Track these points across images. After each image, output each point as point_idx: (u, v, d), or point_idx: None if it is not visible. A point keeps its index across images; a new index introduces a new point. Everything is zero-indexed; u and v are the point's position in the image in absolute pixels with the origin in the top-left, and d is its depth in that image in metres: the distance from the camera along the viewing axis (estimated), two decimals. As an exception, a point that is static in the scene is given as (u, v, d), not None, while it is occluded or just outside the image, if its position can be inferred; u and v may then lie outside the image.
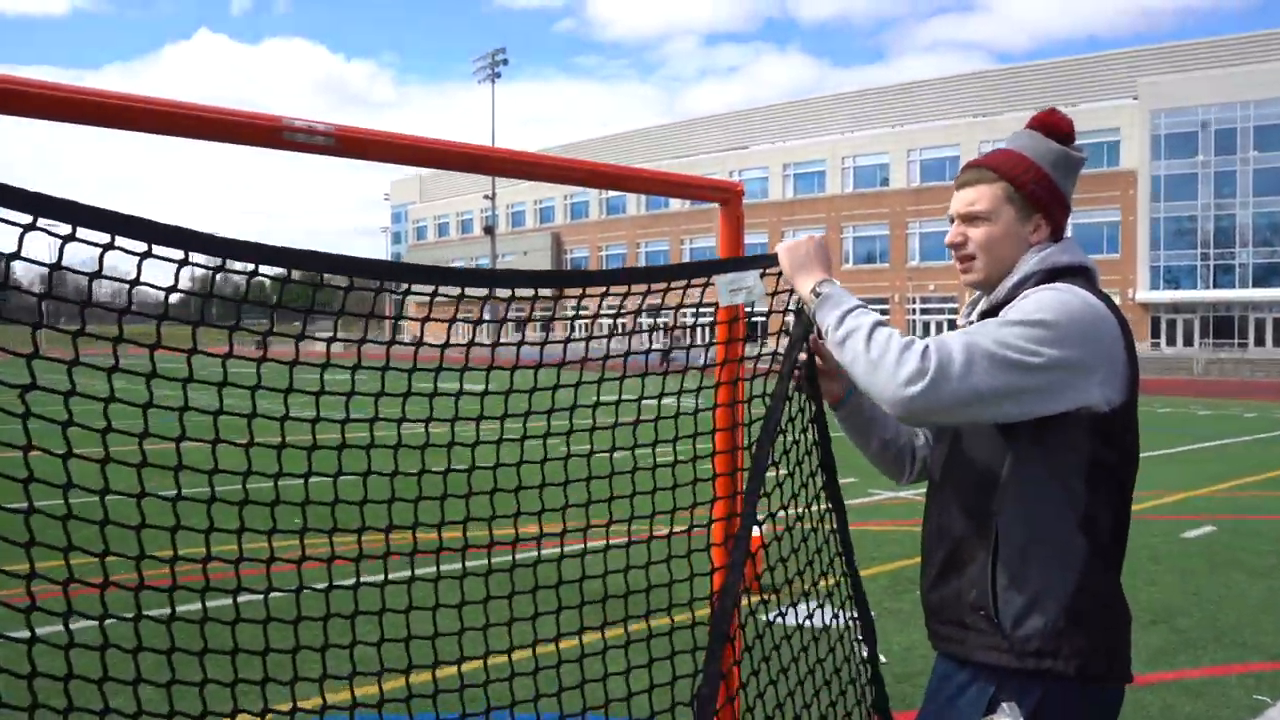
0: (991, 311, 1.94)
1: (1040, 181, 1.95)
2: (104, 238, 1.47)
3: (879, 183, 56.96)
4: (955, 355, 1.70)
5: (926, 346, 1.73)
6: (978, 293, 2.06)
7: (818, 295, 1.92)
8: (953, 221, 2.02)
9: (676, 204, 63.84)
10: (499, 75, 61.39)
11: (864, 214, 57.09)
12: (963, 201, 1.98)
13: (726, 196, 2.28)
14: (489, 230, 64.62)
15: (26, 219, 1.41)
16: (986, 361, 1.70)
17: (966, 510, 1.90)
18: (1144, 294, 49.82)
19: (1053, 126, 2.00)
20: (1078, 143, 2.00)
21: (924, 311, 55.30)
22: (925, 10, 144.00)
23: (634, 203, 65.90)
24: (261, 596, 1.70)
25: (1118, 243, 50.73)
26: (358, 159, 1.66)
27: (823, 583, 2.22)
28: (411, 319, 1.89)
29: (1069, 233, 2.03)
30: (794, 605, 2.15)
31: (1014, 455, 1.82)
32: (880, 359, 1.72)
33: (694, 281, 2.09)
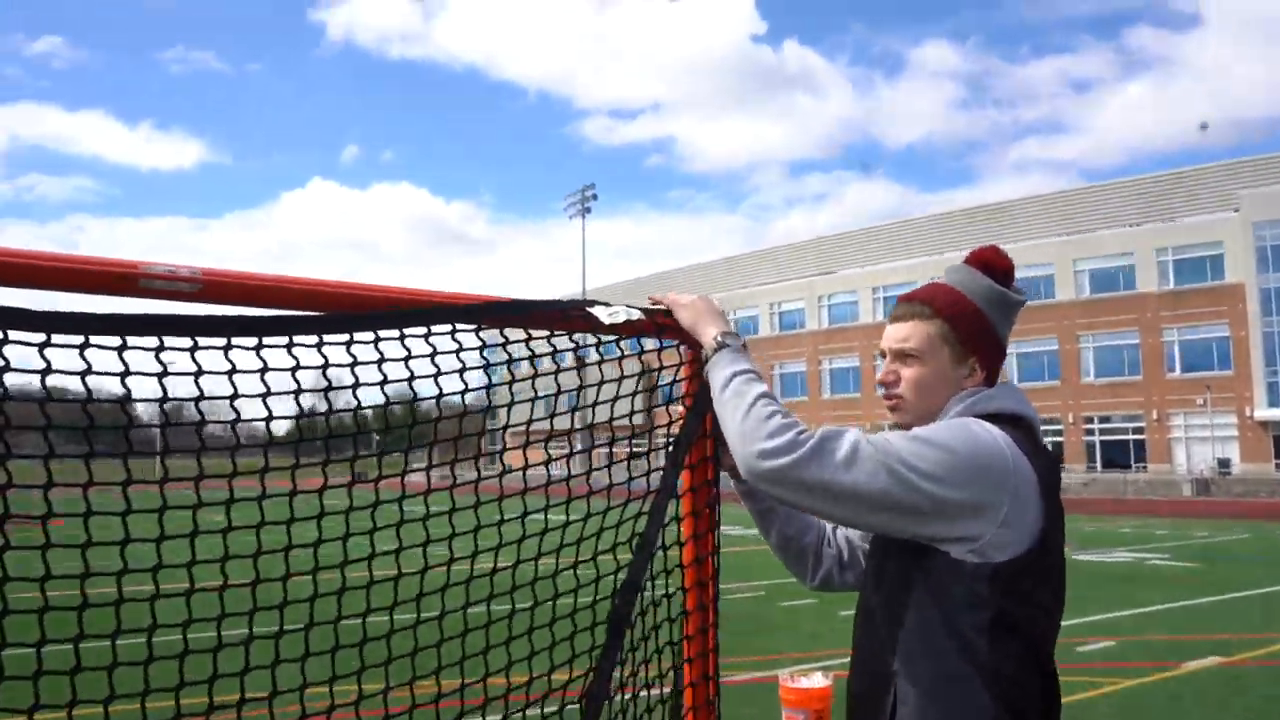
0: None
1: (977, 323, 1.86)
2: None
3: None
4: (843, 444, 1.62)
5: (807, 430, 1.64)
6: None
7: (719, 344, 1.82)
8: (884, 356, 1.91)
9: (765, 329, 63.97)
10: (589, 210, 63.51)
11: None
12: (895, 337, 1.88)
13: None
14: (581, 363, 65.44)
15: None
16: (872, 464, 1.60)
17: (873, 657, 1.77)
18: (1262, 412, 47.10)
19: (992, 264, 1.90)
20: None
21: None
22: (1012, 133, 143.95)
23: (813, 317, 64.92)
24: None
25: (1229, 359, 48.43)
26: (221, 304, 1.52)
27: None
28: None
29: (1006, 377, 1.93)
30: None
31: (915, 602, 1.68)
32: (755, 423, 1.64)
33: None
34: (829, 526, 2.09)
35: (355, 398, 1.65)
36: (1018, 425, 1.79)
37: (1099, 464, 52.51)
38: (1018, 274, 1.97)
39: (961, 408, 1.81)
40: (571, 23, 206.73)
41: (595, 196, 63.50)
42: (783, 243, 69.61)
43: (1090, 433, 53.13)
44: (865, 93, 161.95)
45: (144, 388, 1.48)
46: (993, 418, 1.76)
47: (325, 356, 1.64)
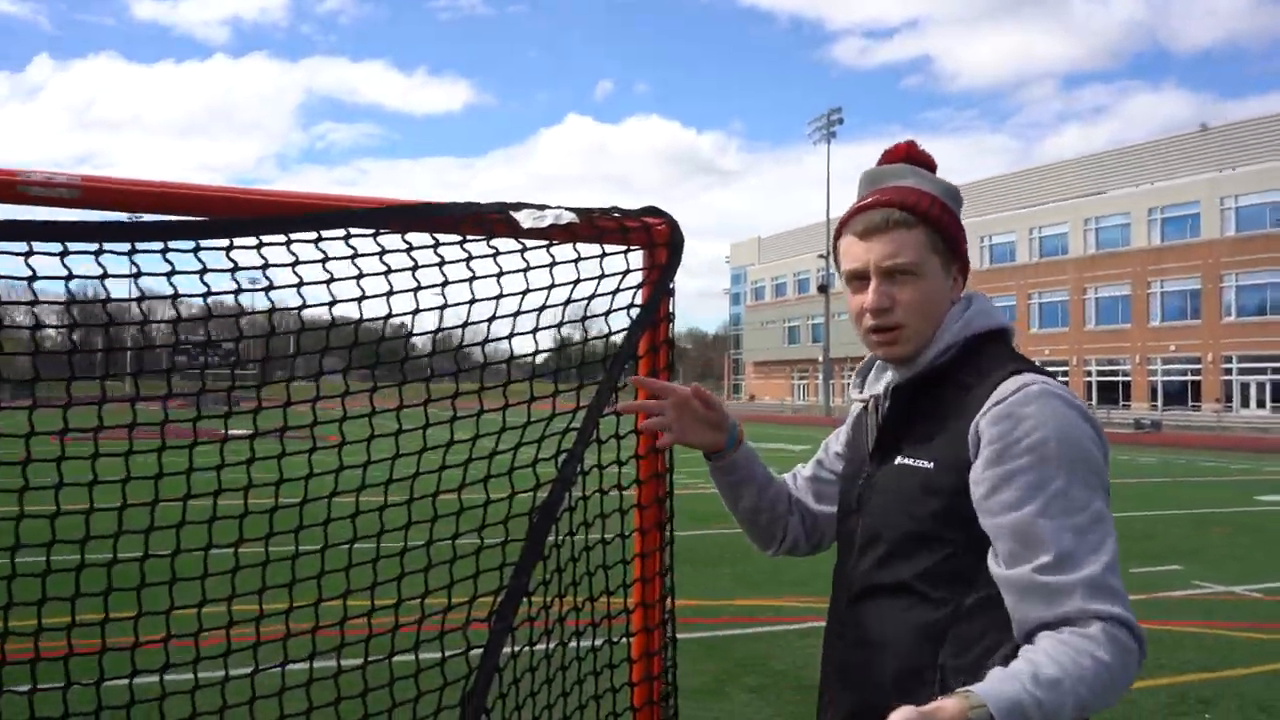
0: (908, 388, 1.62)
1: (957, 226, 1.65)
2: None
3: (1270, 224, 49.56)
4: (1106, 579, 1.37)
5: (1106, 625, 1.34)
6: (873, 358, 1.74)
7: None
8: (858, 279, 1.63)
9: (1023, 256, 59.80)
10: (834, 135, 61.62)
11: (1248, 259, 49.89)
12: (882, 254, 1.59)
13: (644, 238, 1.89)
14: (823, 289, 64.32)
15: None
16: (1089, 536, 1.40)
17: (899, 645, 1.54)
18: None
19: (924, 161, 1.71)
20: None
21: (1331, 371, 47.00)
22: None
23: (975, 257, 62.26)
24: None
25: None
26: (102, 209, 1.54)
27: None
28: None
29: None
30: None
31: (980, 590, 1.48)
32: (1104, 690, 1.31)
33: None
34: (797, 495, 1.93)
35: (237, 302, 1.64)
36: (1008, 341, 1.66)
37: None
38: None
39: (958, 326, 1.61)
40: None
41: (841, 120, 61.61)
42: (1050, 161, 64.46)
43: None
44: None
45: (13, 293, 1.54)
46: (989, 338, 1.62)
47: (236, 262, 1.63)
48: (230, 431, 1.68)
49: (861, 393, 1.76)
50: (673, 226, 1.91)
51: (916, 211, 1.59)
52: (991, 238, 61.61)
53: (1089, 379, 55.49)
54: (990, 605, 1.46)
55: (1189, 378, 51.36)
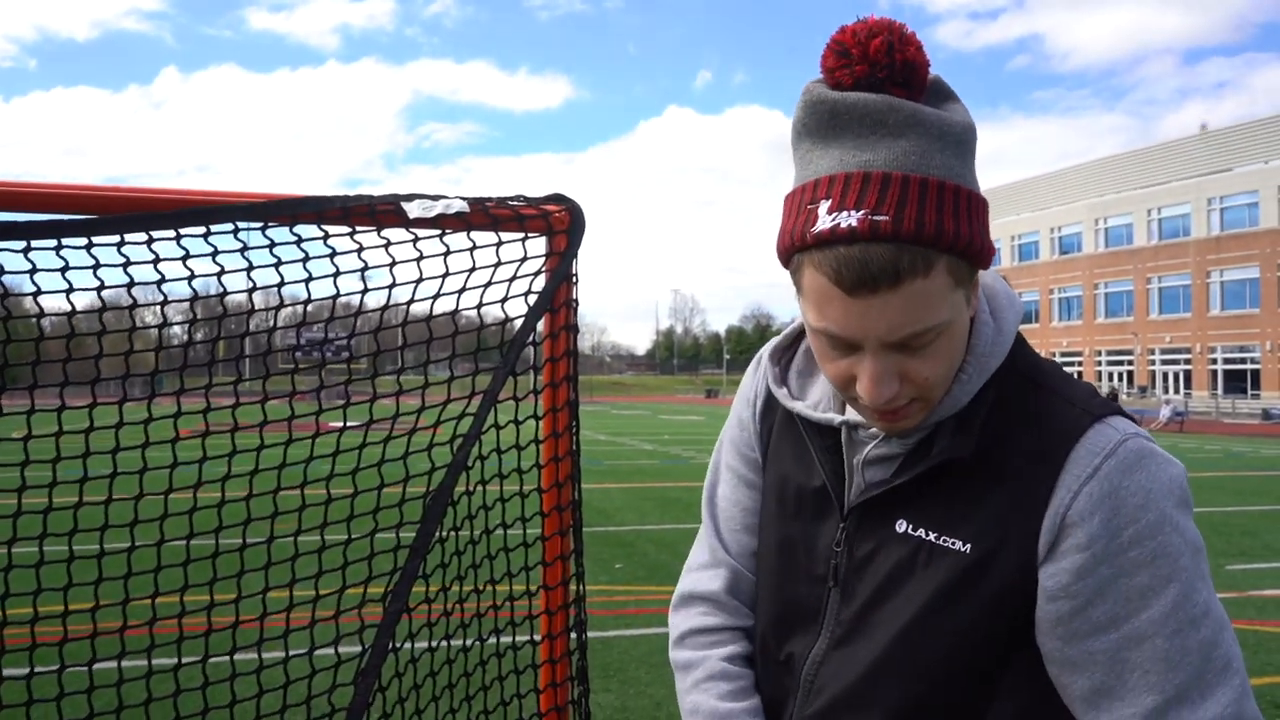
0: (940, 466, 1.09)
1: (981, 217, 1.02)
2: None
3: None
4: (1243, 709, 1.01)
5: None
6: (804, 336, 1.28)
7: None
8: (847, 348, 1.04)
9: (1140, 239, 57.07)
10: (937, 118, 59.93)
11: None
12: (886, 325, 0.99)
13: (543, 225, 1.90)
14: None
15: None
16: (1226, 672, 1.01)
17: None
18: None
19: (917, 73, 1.00)
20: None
21: None
22: None
23: (1090, 240, 59.85)
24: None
25: None
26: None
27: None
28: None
29: None
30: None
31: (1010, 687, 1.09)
32: None
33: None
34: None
35: (129, 296, 1.72)
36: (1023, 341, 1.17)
37: None
38: None
39: (990, 357, 1.10)
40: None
41: (944, 103, 59.96)
42: (1171, 139, 61.31)
43: None
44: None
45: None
46: (1029, 360, 1.15)
47: (127, 256, 1.71)
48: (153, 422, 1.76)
49: (799, 399, 1.24)
50: (574, 213, 1.91)
51: (941, 245, 0.96)
52: (1106, 220, 59.07)
53: (1214, 367, 52.72)
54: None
55: (1326, 364, 48.32)
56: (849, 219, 0.96)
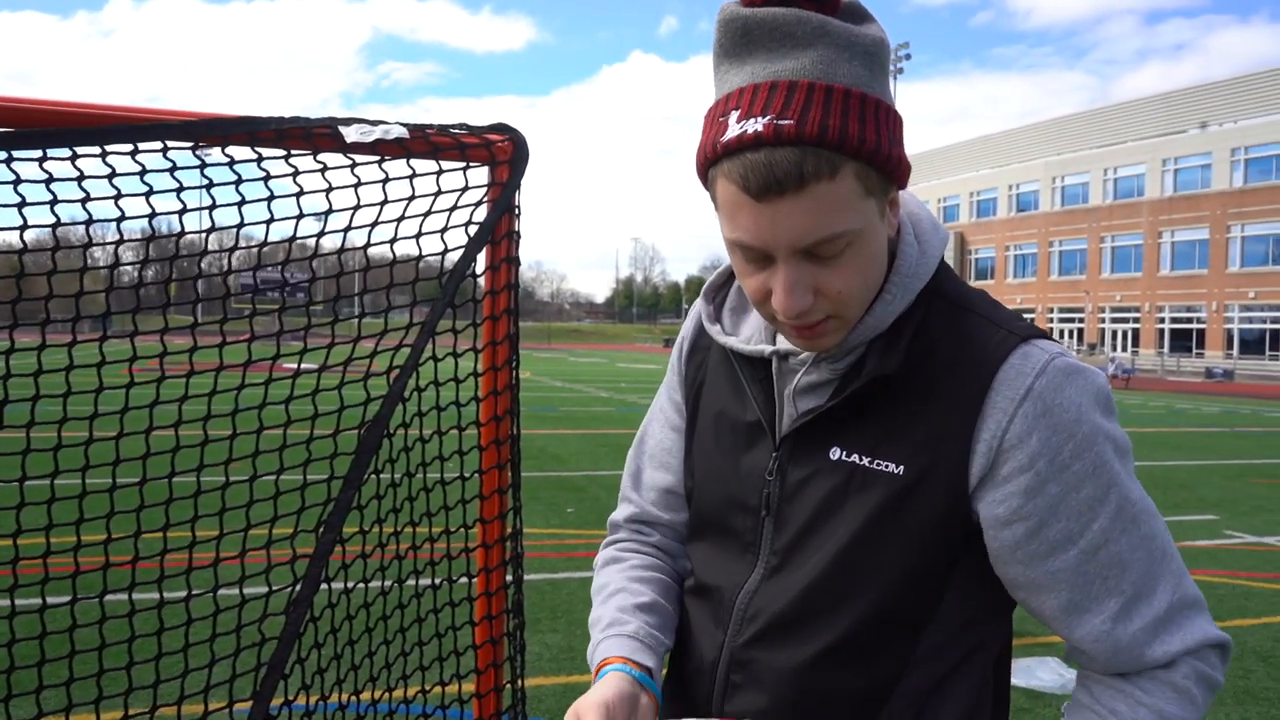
0: (868, 383, 1.10)
1: (893, 128, 1.02)
2: None
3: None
4: (1189, 597, 1.09)
5: (1196, 664, 1.09)
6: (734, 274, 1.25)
7: None
8: (762, 259, 1.05)
9: (1096, 198, 57.70)
10: (901, 71, 59.85)
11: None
12: (794, 231, 0.99)
13: (485, 154, 1.86)
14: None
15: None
16: (1165, 558, 1.09)
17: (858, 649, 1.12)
18: None
19: None
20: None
21: None
22: None
23: (1046, 198, 60.41)
24: None
25: None
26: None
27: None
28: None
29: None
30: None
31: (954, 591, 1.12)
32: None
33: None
34: (666, 539, 1.40)
35: (20, 215, 1.65)
36: (952, 276, 1.19)
37: None
38: None
39: (911, 278, 1.12)
40: None
41: (909, 57, 59.87)
42: (1128, 99, 61.72)
43: None
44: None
45: None
46: (946, 284, 1.16)
47: (50, 174, 1.65)
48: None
49: (731, 334, 1.26)
50: (517, 143, 1.88)
51: (846, 149, 0.97)
52: (1064, 178, 59.63)
53: (1161, 325, 53.80)
54: (949, 640, 1.13)
55: (1269, 325, 49.46)
56: (755, 125, 0.98)
